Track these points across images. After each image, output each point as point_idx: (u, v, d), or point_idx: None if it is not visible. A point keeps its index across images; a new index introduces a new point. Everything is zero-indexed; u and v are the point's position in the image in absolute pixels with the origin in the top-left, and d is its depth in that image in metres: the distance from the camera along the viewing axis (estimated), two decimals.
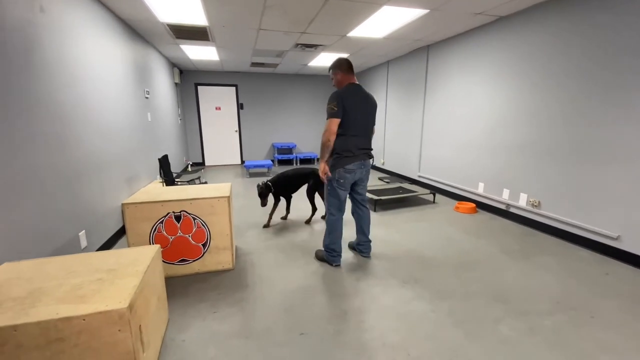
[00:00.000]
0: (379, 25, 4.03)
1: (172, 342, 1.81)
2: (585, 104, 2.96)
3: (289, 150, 8.44)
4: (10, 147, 1.83)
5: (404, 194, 4.55)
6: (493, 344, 1.79)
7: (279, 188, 3.61)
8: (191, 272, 2.56)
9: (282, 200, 3.82)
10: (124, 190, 3.54)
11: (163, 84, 5.72)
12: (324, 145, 2.48)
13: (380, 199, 4.28)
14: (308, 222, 3.82)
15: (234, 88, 8.02)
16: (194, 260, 2.55)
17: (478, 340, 1.82)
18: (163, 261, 2.44)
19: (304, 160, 8.73)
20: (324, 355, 1.71)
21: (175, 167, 5.73)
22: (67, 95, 2.46)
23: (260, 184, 3.52)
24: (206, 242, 2.54)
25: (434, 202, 4.68)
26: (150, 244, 2.42)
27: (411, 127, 5.86)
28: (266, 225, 3.67)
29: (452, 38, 4.61)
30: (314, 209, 3.82)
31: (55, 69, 2.32)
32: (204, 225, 2.50)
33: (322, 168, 2.54)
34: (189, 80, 7.63)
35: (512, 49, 3.66)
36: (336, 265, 2.71)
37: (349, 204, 2.81)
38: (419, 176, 5.68)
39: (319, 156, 2.55)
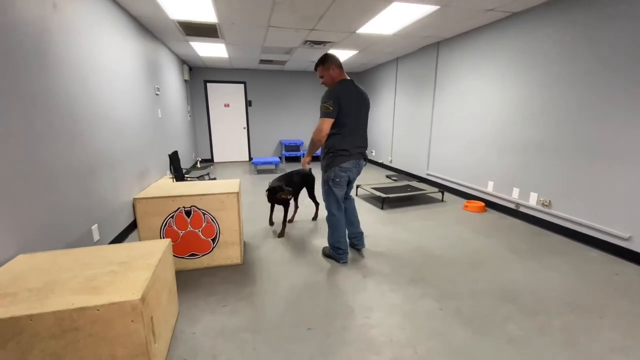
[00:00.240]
0: (388, 22, 4.00)
1: (182, 335, 1.84)
2: (597, 103, 2.90)
3: (296, 147, 8.45)
4: (26, 143, 1.88)
5: (412, 192, 4.53)
6: (501, 343, 1.78)
7: (294, 187, 3.46)
8: (201, 267, 2.60)
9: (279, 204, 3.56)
10: (135, 185, 3.60)
11: (173, 80, 5.77)
12: (313, 143, 2.47)
13: (388, 197, 4.26)
14: (315, 218, 3.84)
15: (242, 85, 8.06)
16: (203, 255, 2.59)
17: (486, 339, 1.81)
18: (173, 255, 2.48)
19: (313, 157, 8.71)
20: (330, 350, 1.72)
21: (184, 163, 5.80)
22: (79, 92, 2.51)
23: (278, 187, 3.16)
24: (215, 237, 2.57)
25: (442, 200, 4.65)
26: (160, 238, 2.46)
27: (420, 124, 5.82)
28: (281, 235, 3.32)
29: (462, 35, 4.55)
30: (317, 204, 3.85)
31: (68, 65, 2.37)
32: (213, 221, 2.53)
33: (305, 160, 2.71)
34: (199, 77, 7.69)
35: (523, 46, 3.60)
36: (343, 263, 2.72)
37: None
38: (428, 174, 5.65)
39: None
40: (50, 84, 2.13)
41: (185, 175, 4.60)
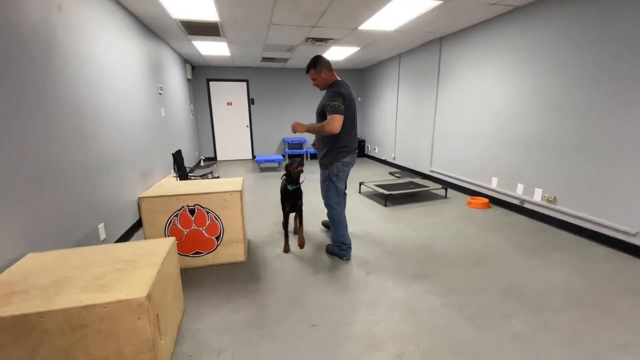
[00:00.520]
0: (390, 18, 3.98)
1: (187, 331, 1.87)
2: (603, 98, 2.87)
3: (299, 145, 8.46)
4: (33, 143, 1.90)
5: (415, 189, 4.52)
6: (505, 339, 1.78)
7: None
8: (205, 264, 2.63)
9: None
10: (140, 185, 3.64)
11: (176, 80, 5.80)
12: (321, 132, 2.48)
13: (391, 194, 4.26)
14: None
15: (244, 83, 8.07)
16: (207, 253, 2.61)
17: (490, 335, 1.81)
18: (178, 253, 2.51)
19: (315, 155, 8.73)
20: (334, 346, 1.74)
21: (188, 162, 5.83)
22: (84, 92, 2.53)
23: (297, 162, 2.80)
24: (219, 235, 2.60)
25: (445, 197, 4.64)
26: (165, 236, 2.49)
27: (423, 121, 5.79)
28: (287, 251, 2.93)
29: (465, 30, 4.52)
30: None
31: (72, 66, 2.39)
32: (217, 219, 2.56)
33: (301, 127, 2.58)
34: (201, 76, 7.71)
35: (527, 41, 3.57)
36: (347, 259, 2.74)
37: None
38: (431, 171, 5.63)
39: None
40: (55, 85, 2.15)
41: (189, 174, 4.64)
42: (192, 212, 2.50)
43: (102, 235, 2.68)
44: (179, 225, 2.51)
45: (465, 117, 4.66)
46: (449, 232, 3.34)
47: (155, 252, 1.73)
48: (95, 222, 2.59)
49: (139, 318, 1.34)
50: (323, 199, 2.76)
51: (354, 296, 2.21)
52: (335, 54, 6.21)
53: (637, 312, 2.00)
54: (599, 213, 3.00)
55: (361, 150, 8.68)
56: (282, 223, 3.03)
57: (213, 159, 8.29)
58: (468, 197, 4.46)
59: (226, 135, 8.29)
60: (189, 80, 7.11)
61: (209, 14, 3.77)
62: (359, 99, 8.80)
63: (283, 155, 8.46)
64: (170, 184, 2.85)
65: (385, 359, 1.65)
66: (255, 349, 1.73)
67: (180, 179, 4.13)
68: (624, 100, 2.73)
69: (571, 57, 3.13)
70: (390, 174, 6.33)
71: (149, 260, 1.63)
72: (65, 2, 2.34)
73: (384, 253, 2.86)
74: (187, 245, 2.56)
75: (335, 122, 2.41)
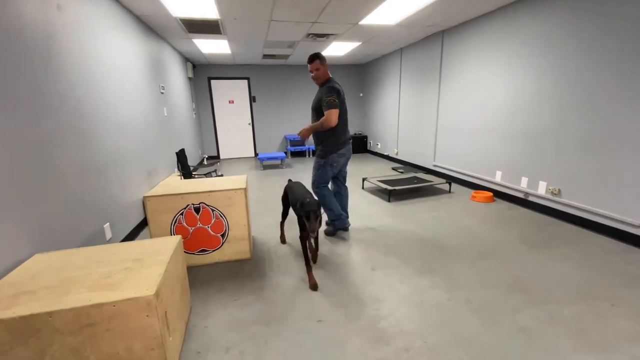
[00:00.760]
0: (391, 12, 3.94)
1: (195, 329, 1.88)
2: (607, 90, 2.84)
3: (301, 142, 8.45)
4: (36, 144, 1.91)
5: (419, 184, 4.51)
6: (512, 332, 1.78)
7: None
8: (211, 262, 2.64)
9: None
10: (144, 184, 3.65)
11: (177, 78, 5.80)
12: (322, 128, 2.73)
13: (395, 189, 4.25)
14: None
15: (246, 81, 8.05)
16: (213, 251, 2.62)
17: (496, 329, 1.81)
18: (184, 251, 2.52)
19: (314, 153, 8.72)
20: (340, 341, 1.75)
21: (191, 161, 5.85)
22: (85, 92, 2.54)
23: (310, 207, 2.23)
24: (225, 233, 2.60)
25: (449, 191, 4.62)
26: (171, 234, 2.50)
27: (426, 115, 5.76)
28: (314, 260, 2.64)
29: (467, 22, 4.47)
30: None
31: (73, 66, 2.39)
32: (222, 217, 2.56)
33: (308, 133, 2.82)
34: (202, 75, 7.70)
35: (530, 32, 3.53)
36: (349, 225, 3.12)
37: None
38: (434, 165, 5.61)
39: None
40: (56, 85, 2.16)
41: (193, 173, 4.65)
42: (197, 210, 2.51)
43: (108, 235, 2.69)
44: (185, 224, 2.51)
45: (468, 110, 4.63)
46: (454, 226, 3.33)
47: (161, 250, 1.74)
48: (100, 221, 2.60)
49: (147, 316, 1.34)
50: (313, 180, 3.00)
51: (360, 291, 2.21)
52: (336, 49, 6.18)
53: None
54: (604, 205, 2.98)
55: (363, 146, 8.66)
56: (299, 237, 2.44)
57: (216, 158, 8.31)
58: (472, 191, 4.44)
59: (229, 133, 8.29)
60: (190, 79, 7.11)
61: (209, 11, 3.76)
62: (361, 94, 8.77)
63: (285, 153, 8.47)
64: (175, 183, 2.86)
65: (393, 353, 1.65)
66: (263, 345, 1.74)
67: (184, 178, 4.14)
68: (627, 92, 2.70)
69: (574, 50, 3.09)
70: (394, 169, 6.31)
71: (155, 259, 1.63)
72: (65, 1, 2.34)
73: (389, 248, 2.86)
74: (193, 243, 2.57)
75: (332, 116, 2.67)
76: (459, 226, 3.33)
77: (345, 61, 7.88)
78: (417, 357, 1.63)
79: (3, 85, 1.68)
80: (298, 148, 8.33)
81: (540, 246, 2.82)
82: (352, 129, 8.99)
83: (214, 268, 2.58)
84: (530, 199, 3.76)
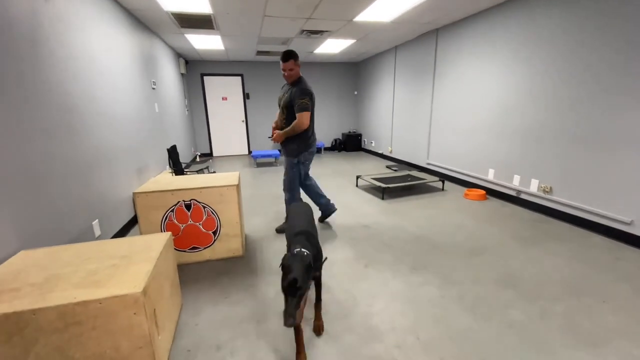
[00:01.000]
0: (386, 9, 3.93)
1: (185, 326, 1.85)
2: (599, 89, 2.86)
3: None
4: (23, 139, 1.86)
5: (412, 182, 4.52)
6: (503, 328, 1.79)
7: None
8: (202, 259, 2.61)
9: None
10: (135, 180, 3.59)
11: (169, 74, 5.72)
12: (293, 131, 2.82)
13: (389, 187, 4.25)
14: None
15: (239, 78, 7.98)
16: (204, 248, 2.59)
17: (488, 325, 1.82)
18: (175, 249, 2.49)
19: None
20: (334, 338, 1.73)
21: (183, 158, 5.78)
22: (74, 87, 2.48)
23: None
24: (216, 230, 2.57)
25: (442, 189, 4.64)
26: (162, 231, 2.46)
27: (420, 113, 5.77)
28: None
29: (462, 20, 4.48)
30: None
31: (61, 59, 2.33)
32: (213, 214, 2.53)
33: (278, 137, 2.93)
34: (195, 71, 7.61)
35: (524, 31, 3.54)
36: (335, 210, 3.34)
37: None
38: (428, 164, 5.63)
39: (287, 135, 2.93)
40: (43, 79, 2.10)
41: (185, 170, 4.59)
42: (188, 207, 2.47)
43: (97, 232, 2.64)
44: (175, 221, 2.48)
45: (462, 109, 4.64)
46: (447, 223, 3.34)
47: (150, 247, 1.71)
48: (89, 218, 2.55)
49: (135, 313, 1.31)
50: (286, 184, 3.06)
51: (353, 288, 2.20)
52: (331, 46, 6.15)
53: (633, 300, 2.01)
54: (594, 202, 3.02)
55: (358, 144, 8.66)
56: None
57: (209, 155, 8.23)
58: (465, 189, 4.46)
59: (222, 130, 8.21)
60: (182, 75, 7.02)
61: (202, 5, 3.70)
62: (355, 92, 8.76)
63: (279, 150, 8.42)
64: (166, 179, 2.81)
65: (385, 350, 1.65)
66: (254, 343, 1.72)
67: (176, 175, 4.09)
68: (618, 90, 2.73)
69: (567, 48, 3.11)
70: (387, 167, 6.32)
71: (144, 256, 1.60)
72: None
73: (383, 245, 2.86)
74: (184, 240, 2.53)
75: (304, 119, 2.77)
76: (452, 223, 3.34)
77: (340, 59, 7.86)
78: (410, 353, 1.63)
79: None
80: None
81: (531, 243, 2.84)
82: (347, 127, 8.99)
83: (205, 266, 2.55)
84: (522, 196, 3.79)
